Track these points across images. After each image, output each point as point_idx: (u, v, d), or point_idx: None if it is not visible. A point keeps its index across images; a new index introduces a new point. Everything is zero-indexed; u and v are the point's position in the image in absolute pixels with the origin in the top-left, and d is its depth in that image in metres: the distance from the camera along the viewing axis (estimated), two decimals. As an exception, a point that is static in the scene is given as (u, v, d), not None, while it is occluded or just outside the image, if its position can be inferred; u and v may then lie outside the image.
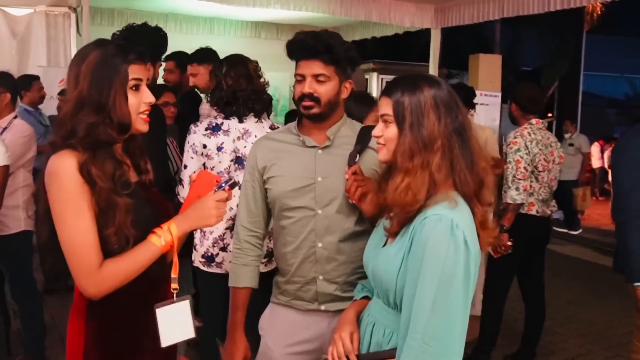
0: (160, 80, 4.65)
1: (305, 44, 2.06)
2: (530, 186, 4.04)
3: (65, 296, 2.27)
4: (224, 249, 3.02)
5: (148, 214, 1.78)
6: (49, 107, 5.70)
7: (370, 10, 6.39)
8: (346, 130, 2.18)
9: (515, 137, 4.06)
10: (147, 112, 1.80)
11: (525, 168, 3.97)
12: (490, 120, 6.68)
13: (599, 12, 13.84)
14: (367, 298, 1.93)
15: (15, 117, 3.93)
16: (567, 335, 5.11)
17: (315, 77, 2.07)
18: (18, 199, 3.77)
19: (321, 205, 2.11)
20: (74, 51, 5.64)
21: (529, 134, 4.07)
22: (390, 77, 3.44)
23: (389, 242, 1.75)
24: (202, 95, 4.46)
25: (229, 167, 2.99)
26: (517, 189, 3.96)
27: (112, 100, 1.68)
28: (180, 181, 3.08)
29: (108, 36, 3.06)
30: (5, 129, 3.79)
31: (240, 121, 3.01)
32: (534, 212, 4.11)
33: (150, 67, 3.05)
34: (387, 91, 1.73)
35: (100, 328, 1.76)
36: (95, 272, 1.64)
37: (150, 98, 1.79)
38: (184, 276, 3.63)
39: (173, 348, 1.89)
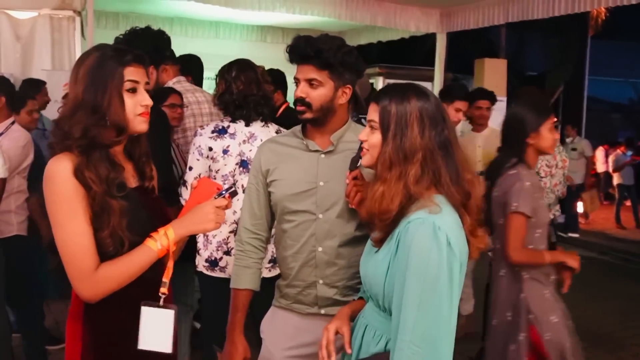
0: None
1: (297, 49, 2.08)
2: None
3: (70, 300, 2.26)
4: (227, 252, 3.02)
5: (144, 218, 1.78)
6: (53, 111, 5.68)
7: (376, 14, 6.39)
8: (350, 135, 2.18)
9: None
10: (146, 114, 1.79)
11: None
12: (496, 125, 6.65)
13: (604, 17, 13.82)
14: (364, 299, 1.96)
15: (13, 122, 3.90)
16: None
17: (308, 81, 2.08)
18: (10, 204, 3.76)
19: (322, 210, 2.12)
20: (78, 55, 5.63)
21: None
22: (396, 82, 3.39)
23: (379, 247, 1.77)
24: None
25: (234, 170, 2.99)
26: None
27: (107, 102, 1.70)
28: (184, 183, 3.08)
29: (113, 40, 3.08)
30: (1, 134, 3.76)
31: (247, 125, 3.02)
32: None
33: (152, 70, 3.05)
34: (376, 97, 1.76)
35: (98, 331, 1.76)
36: (91, 275, 1.64)
37: (147, 101, 1.79)
38: (186, 281, 3.62)
39: (175, 352, 1.87)
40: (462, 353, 4.63)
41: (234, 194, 1.83)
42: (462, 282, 1.68)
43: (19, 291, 3.85)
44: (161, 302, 1.75)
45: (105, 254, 1.67)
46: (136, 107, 1.76)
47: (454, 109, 4.42)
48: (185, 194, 3.05)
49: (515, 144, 2.77)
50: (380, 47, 9.54)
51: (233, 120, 3.02)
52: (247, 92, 2.99)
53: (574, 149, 9.92)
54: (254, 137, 3.00)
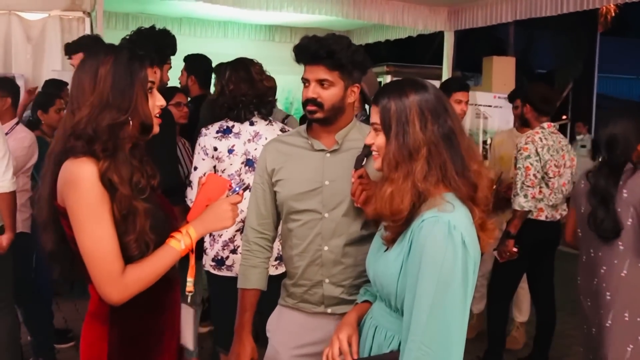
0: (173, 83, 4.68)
1: (308, 49, 2.07)
2: (540, 192, 3.98)
3: (79, 299, 2.30)
4: (234, 251, 3.03)
5: (162, 218, 1.80)
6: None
7: (384, 13, 6.40)
8: (355, 134, 2.18)
9: (526, 143, 3.95)
10: (159, 115, 1.82)
11: (534, 175, 3.89)
12: (505, 123, 6.65)
13: (613, 14, 13.74)
14: (369, 302, 1.94)
15: (17, 123, 3.91)
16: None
17: (319, 82, 2.07)
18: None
19: (328, 209, 2.12)
20: (88, 55, 5.66)
21: (541, 140, 3.97)
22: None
23: (390, 247, 1.75)
24: None
25: (240, 169, 3.00)
26: (525, 196, 3.88)
27: (135, 101, 1.70)
28: (190, 183, 3.10)
29: (120, 41, 3.10)
30: (6, 134, 3.77)
31: (251, 124, 3.03)
32: (542, 218, 4.05)
33: (156, 69, 3.07)
34: (376, 99, 1.74)
35: (125, 333, 1.77)
36: (119, 279, 1.64)
37: (162, 101, 1.82)
38: (195, 280, 3.64)
39: (181, 346, 1.94)
40: (470, 352, 4.64)
41: (246, 189, 1.85)
42: (475, 281, 1.66)
43: (24, 289, 3.86)
44: (188, 300, 1.81)
45: (130, 257, 1.68)
46: (154, 107, 1.79)
47: (454, 102, 4.40)
48: (191, 194, 3.06)
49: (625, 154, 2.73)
50: (388, 46, 9.53)
51: (238, 121, 3.03)
52: (237, 93, 2.98)
53: (583, 146, 9.89)
54: (258, 136, 3.01)
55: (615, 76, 19.84)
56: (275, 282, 2.44)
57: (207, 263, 3.11)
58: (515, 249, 3.90)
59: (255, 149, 2.98)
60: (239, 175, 3.00)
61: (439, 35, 7.54)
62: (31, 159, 3.88)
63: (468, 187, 1.66)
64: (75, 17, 5.85)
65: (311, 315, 2.20)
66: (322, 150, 2.16)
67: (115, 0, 6.38)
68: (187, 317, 1.85)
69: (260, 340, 2.43)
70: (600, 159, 2.79)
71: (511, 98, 5.10)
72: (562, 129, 11.89)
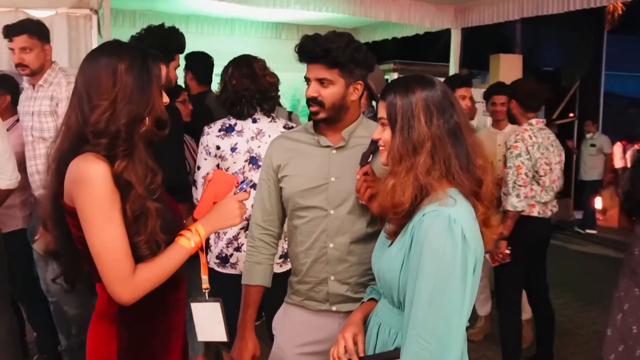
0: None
1: (305, 48, 2.08)
2: (532, 189, 3.92)
3: (84, 296, 2.29)
4: (238, 249, 3.04)
5: (171, 217, 1.81)
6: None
7: (390, 10, 6.38)
8: (362, 130, 2.19)
9: (516, 141, 3.88)
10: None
11: (526, 174, 3.83)
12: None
13: (620, 12, 13.66)
14: (374, 300, 1.94)
15: (17, 120, 3.93)
16: (589, 337, 5.06)
17: (319, 80, 2.08)
18: (15, 199, 3.80)
19: (333, 206, 2.12)
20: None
21: (530, 137, 3.91)
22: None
23: (393, 242, 1.75)
24: None
25: (244, 167, 3.00)
26: (517, 195, 3.83)
27: (153, 100, 1.71)
28: (194, 182, 3.10)
29: (129, 38, 3.11)
30: (7, 131, 3.79)
31: (254, 121, 3.03)
32: (535, 214, 3.97)
33: (162, 67, 3.08)
34: (382, 94, 1.75)
35: (133, 333, 1.78)
36: (130, 279, 1.64)
37: (166, 98, 1.83)
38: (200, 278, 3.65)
39: (186, 344, 1.95)
40: (476, 350, 4.63)
41: (254, 186, 1.86)
42: (478, 278, 1.66)
43: (26, 285, 3.88)
44: (206, 297, 1.82)
45: (140, 257, 1.67)
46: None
47: (458, 98, 4.41)
48: (196, 193, 3.07)
49: None
50: (394, 44, 9.51)
51: (239, 118, 3.03)
52: (239, 88, 2.98)
53: (593, 145, 9.85)
54: (261, 133, 3.01)
55: (622, 74, 19.72)
56: (280, 280, 2.44)
57: (212, 260, 3.11)
58: (507, 251, 3.84)
59: (259, 147, 2.98)
60: (243, 173, 3.00)
61: (446, 33, 7.51)
62: None
63: (472, 183, 1.67)
64: (82, 14, 5.85)
65: (316, 313, 2.21)
66: (328, 146, 2.16)
67: (122, -3, 6.41)
68: (214, 312, 1.85)
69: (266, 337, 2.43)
70: None
71: (486, 95, 4.99)
72: (569, 127, 11.82)
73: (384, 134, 1.74)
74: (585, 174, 10.07)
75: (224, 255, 3.06)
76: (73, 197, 1.64)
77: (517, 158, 3.85)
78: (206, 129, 3.06)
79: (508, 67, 7.32)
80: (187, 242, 1.73)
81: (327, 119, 2.12)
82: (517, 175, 3.84)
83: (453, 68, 7.04)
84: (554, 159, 4.01)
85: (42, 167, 2.88)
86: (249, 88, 2.99)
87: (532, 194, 3.93)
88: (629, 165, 11.70)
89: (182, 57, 4.83)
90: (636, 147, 11.59)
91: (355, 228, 2.12)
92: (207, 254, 3.13)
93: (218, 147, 2.99)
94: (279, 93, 3.31)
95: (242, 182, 1.88)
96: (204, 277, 1.82)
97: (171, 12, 7.11)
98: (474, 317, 4.77)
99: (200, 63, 4.59)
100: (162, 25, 3.27)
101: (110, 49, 1.75)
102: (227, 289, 3.04)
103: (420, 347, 1.55)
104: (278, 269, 2.94)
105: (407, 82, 1.73)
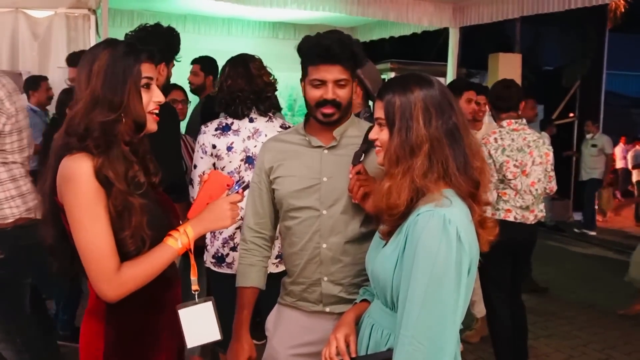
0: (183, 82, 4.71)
1: (330, 50, 2.01)
2: (505, 194, 3.89)
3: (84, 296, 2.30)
4: (234, 248, 3.03)
5: (160, 215, 1.80)
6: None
7: (388, 10, 6.37)
8: (353, 130, 2.18)
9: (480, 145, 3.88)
10: (157, 111, 1.81)
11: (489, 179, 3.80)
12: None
13: (622, 10, 13.62)
14: (367, 302, 1.93)
15: None
16: (588, 340, 5.04)
17: (337, 82, 2.05)
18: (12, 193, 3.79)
19: (326, 206, 2.11)
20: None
21: (496, 140, 3.89)
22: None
23: (388, 242, 1.74)
24: None
25: (239, 166, 2.99)
26: None
27: (127, 98, 1.70)
28: (191, 181, 3.10)
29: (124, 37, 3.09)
30: None
31: (251, 121, 3.02)
32: (511, 219, 3.88)
33: (163, 67, 3.06)
34: (380, 94, 1.73)
35: (121, 330, 1.77)
36: (114, 276, 1.65)
37: (160, 97, 1.81)
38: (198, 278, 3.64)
39: (182, 345, 1.91)
40: (472, 352, 4.61)
41: (246, 187, 1.84)
42: (473, 279, 1.65)
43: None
44: (196, 299, 1.79)
45: (126, 253, 1.68)
46: (149, 104, 1.77)
47: (465, 100, 4.40)
48: (192, 192, 3.06)
49: None
50: (392, 43, 9.49)
51: (235, 117, 3.02)
52: (234, 88, 2.97)
53: (594, 145, 9.81)
54: (258, 133, 3.00)
55: (624, 73, 19.70)
56: (275, 280, 2.43)
57: (208, 260, 3.11)
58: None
59: (255, 146, 2.97)
60: (239, 172, 2.99)
61: (444, 32, 7.50)
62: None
63: (469, 184, 1.65)
64: (80, 14, 5.88)
65: (309, 314, 2.19)
66: (320, 146, 2.15)
67: (121, -3, 6.41)
68: (207, 312, 1.82)
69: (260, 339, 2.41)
70: None
71: (454, 91, 4.96)
72: (569, 127, 11.75)
73: (381, 135, 1.72)
74: (586, 175, 10.03)
75: (219, 254, 3.05)
76: (62, 194, 1.66)
77: None
78: (203, 127, 3.06)
79: (507, 67, 7.29)
80: (174, 242, 1.72)
81: (338, 120, 2.12)
82: None
83: (451, 67, 7.03)
84: (532, 159, 3.92)
85: None
86: (244, 89, 2.98)
87: (505, 198, 3.90)
88: (629, 166, 11.67)
89: (196, 59, 4.91)
90: (637, 147, 11.56)
91: (348, 228, 2.11)
92: (204, 253, 3.13)
93: (214, 146, 2.98)
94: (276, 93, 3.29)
95: (235, 183, 1.87)
96: (193, 279, 1.80)
97: (169, 11, 7.13)
98: (471, 318, 4.75)
99: (213, 67, 4.69)
100: (158, 24, 3.25)
101: (94, 48, 1.77)
102: (223, 289, 3.04)
103: (413, 348, 1.53)
104: (274, 269, 2.93)
105: (405, 81, 1.71)
